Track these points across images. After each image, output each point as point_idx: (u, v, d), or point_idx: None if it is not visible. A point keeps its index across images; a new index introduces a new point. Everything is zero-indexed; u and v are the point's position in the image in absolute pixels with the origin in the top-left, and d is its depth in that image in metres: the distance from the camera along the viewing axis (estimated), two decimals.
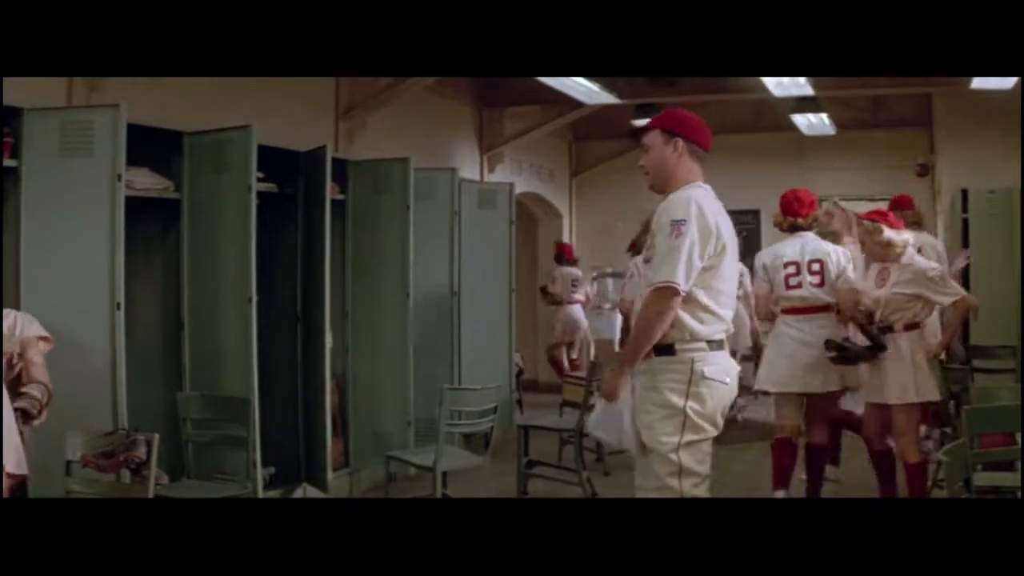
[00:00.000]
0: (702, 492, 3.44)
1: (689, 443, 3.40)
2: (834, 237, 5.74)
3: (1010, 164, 8.51)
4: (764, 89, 8.28)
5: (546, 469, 6.31)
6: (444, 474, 5.50)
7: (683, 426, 3.40)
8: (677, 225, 3.37)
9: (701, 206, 3.41)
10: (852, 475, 6.64)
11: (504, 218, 7.56)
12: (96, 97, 5.02)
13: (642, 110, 9.51)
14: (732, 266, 3.51)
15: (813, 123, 10.13)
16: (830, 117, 9.96)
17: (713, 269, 3.43)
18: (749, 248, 11.19)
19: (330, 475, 5.72)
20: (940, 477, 5.03)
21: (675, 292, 3.35)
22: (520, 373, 9.08)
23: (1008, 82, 7.61)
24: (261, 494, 4.95)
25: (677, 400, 3.41)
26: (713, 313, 3.44)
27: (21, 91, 4.07)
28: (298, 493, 5.85)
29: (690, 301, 3.41)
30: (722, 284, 3.46)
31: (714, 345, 3.45)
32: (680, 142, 3.55)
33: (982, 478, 4.15)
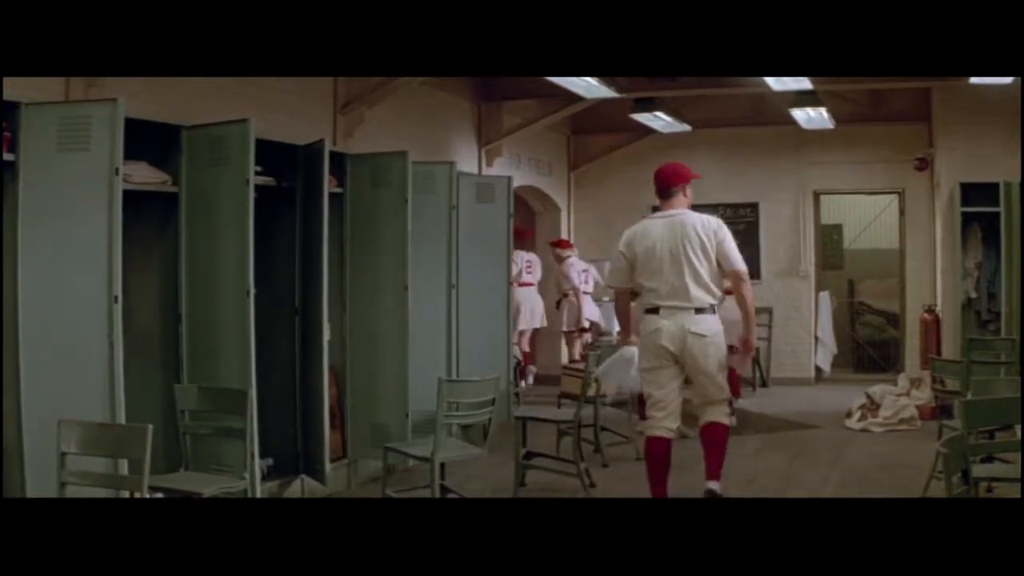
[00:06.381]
0: (656, 413, 5.19)
1: (644, 369, 5.27)
2: None
3: (1009, 159, 8.51)
4: (763, 83, 8.27)
5: (544, 460, 6.32)
6: (442, 465, 5.52)
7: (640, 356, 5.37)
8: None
9: (623, 237, 5.40)
10: (853, 475, 6.66)
11: (502, 211, 7.57)
12: (94, 92, 5.00)
13: (641, 104, 9.51)
14: (653, 264, 5.20)
15: (812, 117, 10.11)
16: (829, 111, 9.94)
17: (635, 270, 5.29)
18: (747, 240, 11.23)
19: (328, 467, 5.74)
20: (939, 469, 5.06)
21: (613, 289, 5.76)
22: (518, 365, 9.09)
23: (1006, 77, 7.60)
24: (259, 485, 4.96)
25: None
26: (642, 293, 5.30)
27: (19, 86, 4.07)
28: (296, 485, 5.86)
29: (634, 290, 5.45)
30: (640, 277, 5.28)
31: (648, 311, 5.25)
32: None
33: (980, 470, 4.17)
